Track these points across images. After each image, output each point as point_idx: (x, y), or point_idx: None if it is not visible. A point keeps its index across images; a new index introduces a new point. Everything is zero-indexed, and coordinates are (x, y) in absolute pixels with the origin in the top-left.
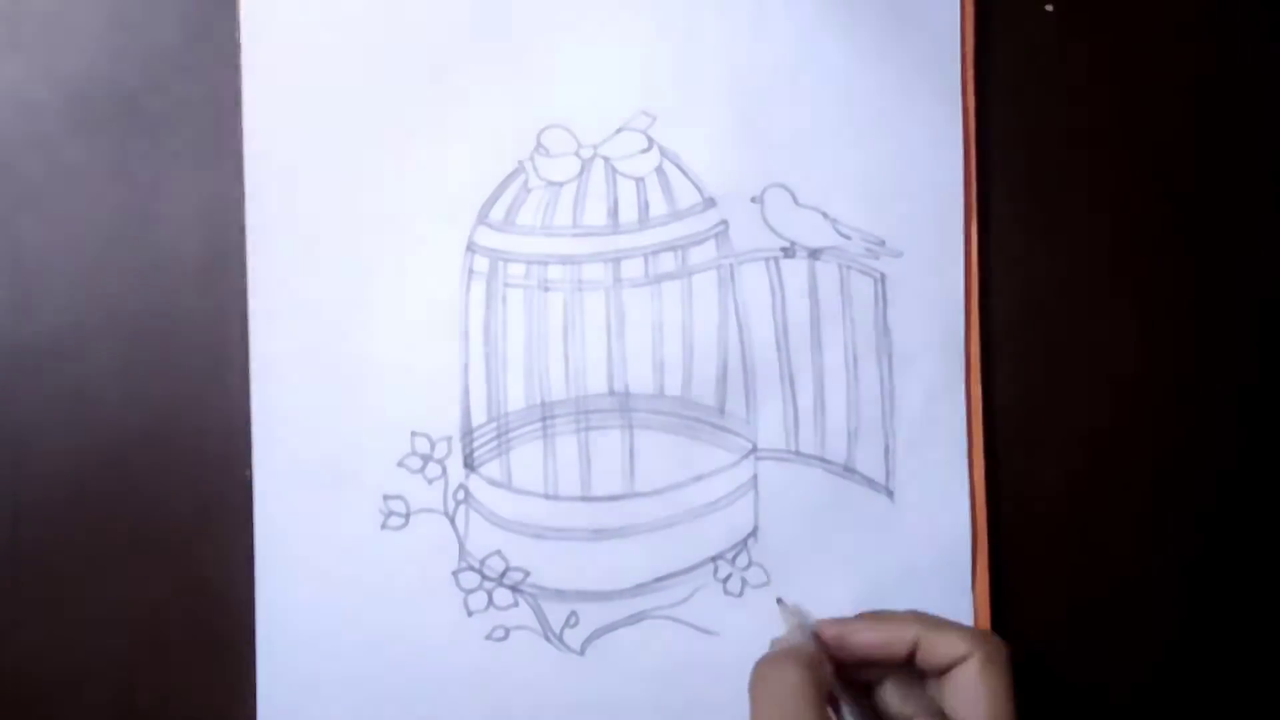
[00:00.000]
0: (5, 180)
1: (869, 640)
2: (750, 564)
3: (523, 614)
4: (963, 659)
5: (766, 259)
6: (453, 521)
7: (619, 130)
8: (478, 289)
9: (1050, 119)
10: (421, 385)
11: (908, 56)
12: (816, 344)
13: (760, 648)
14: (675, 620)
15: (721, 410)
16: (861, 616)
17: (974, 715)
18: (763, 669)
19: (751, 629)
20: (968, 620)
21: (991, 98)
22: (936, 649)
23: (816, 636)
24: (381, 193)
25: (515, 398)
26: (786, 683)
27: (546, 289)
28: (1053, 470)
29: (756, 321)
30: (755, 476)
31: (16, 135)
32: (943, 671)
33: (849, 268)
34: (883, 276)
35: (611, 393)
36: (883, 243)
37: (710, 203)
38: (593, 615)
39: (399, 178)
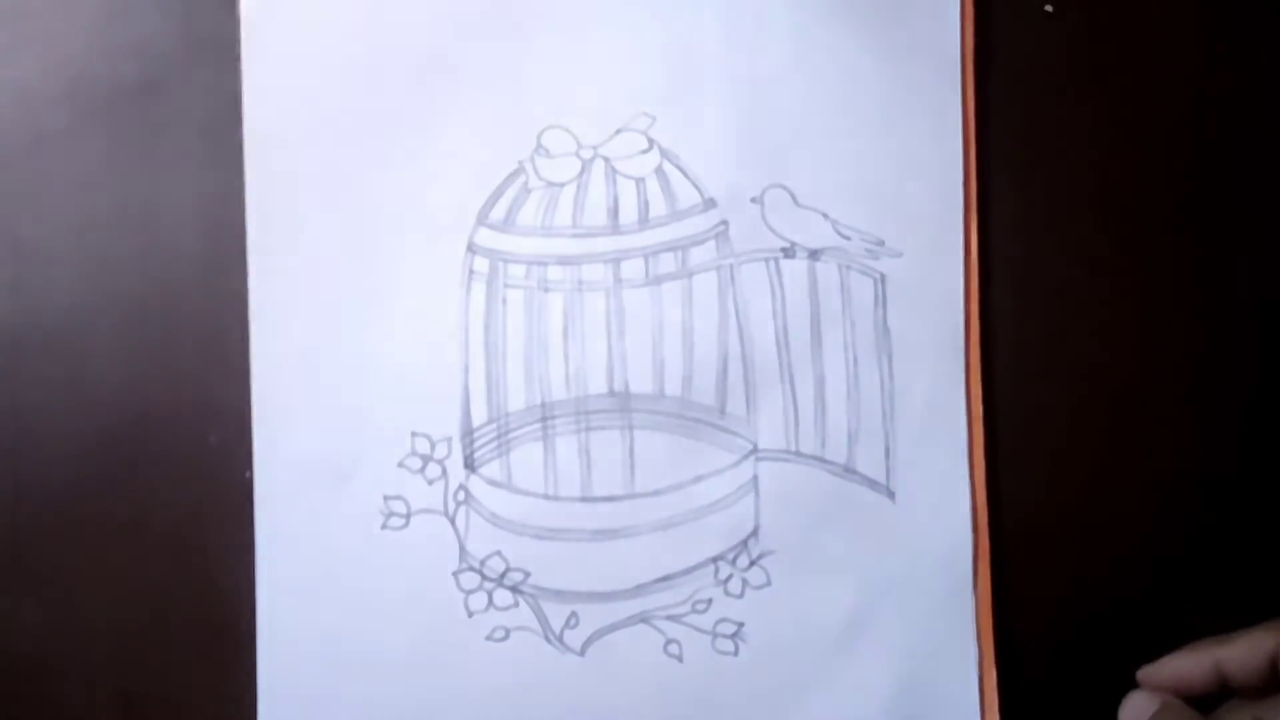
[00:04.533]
0: (6, 175)
1: (1171, 676)
2: (751, 565)
3: (523, 615)
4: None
5: (766, 259)
6: (453, 522)
7: (619, 131)
8: (478, 290)
9: (1050, 119)
10: (422, 386)
11: (908, 57)
12: (817, 344)
13: (763, 648)
14: (676, 621)
15: (722, 411)
16: (1173, 657)
17: None
18: None
19: (753, 630)
20: (969, 625)
21: (991, 98)
22: (1235, 663)
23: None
24: (382, 193)
25: (515, 398)
26: None
27: (547, 289)
28: (1053, 470)
29: (757, 322)
30: (756, 477)
31: (17, 130)
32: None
33: (849, 268)
34: (883, 277)
35: (611, 393)
36: (882, 243)
37: (710, 203)
38: (593, 616)
39: (399, 178)
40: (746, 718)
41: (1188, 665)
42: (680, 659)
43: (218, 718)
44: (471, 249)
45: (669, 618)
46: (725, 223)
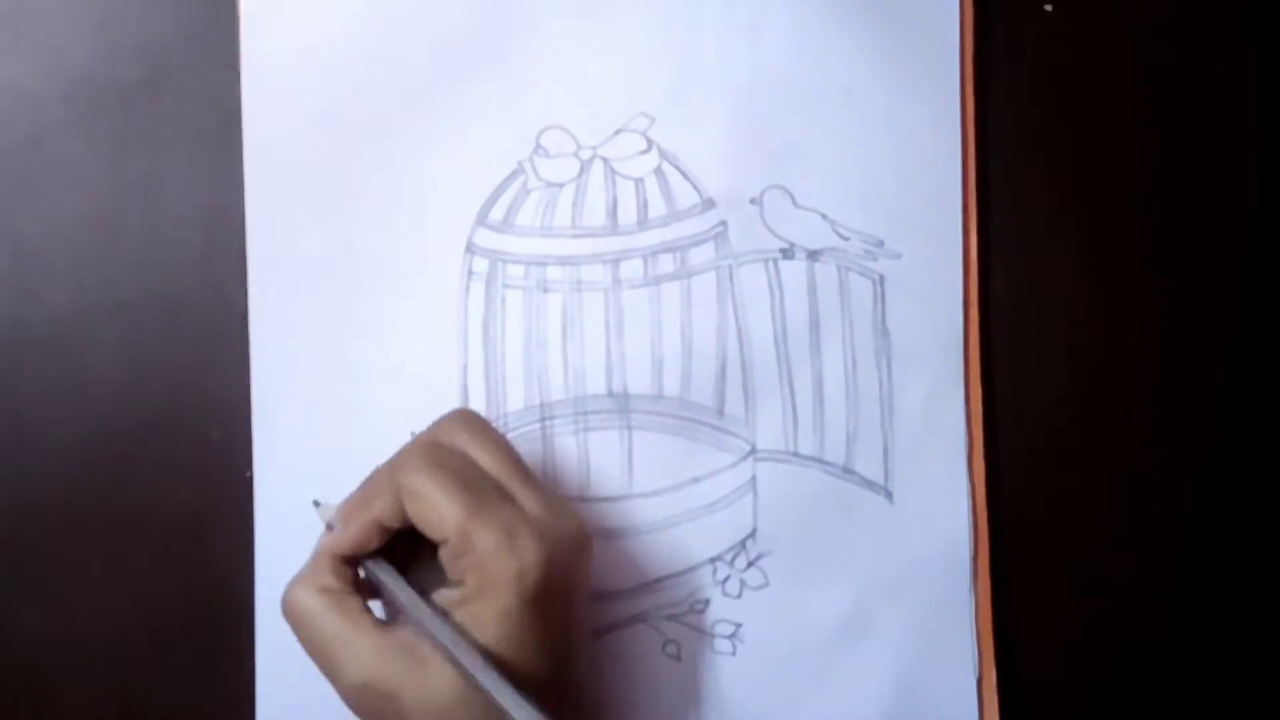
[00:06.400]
0: (6, 175)
1: (351, 538)
2: (749, 565)
3: None
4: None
5: (765, 260)
6: None
7: (618, 131)
8: (477, 290)
9: (1050, 119)
10: (421, 385)
11: (907, 57)
12: (815, 345)
13: (761, 649)
14: (674, 621)
15: (720, 411)
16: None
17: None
18: (286, 599)
19: (751, 630)
20: (969, 626)
21: (991, 98)
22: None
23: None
24: (381, 193)
25: (514, 398)
26: (309, 611)
27: (545, 290)
28: (1053, 470)
29: (755, 323)
30: (754, 478)
31: (17, 129)
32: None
33: (848, 269)
34: (881, 277)
35: (610, 393)
36: (882, 244)
37: (709, 204)
38: (591, 616)
39: (398, 178)
40: (744, 718)
41: (364, 535)
42: (678, 659)
43: (217, 717)
44: (470, 249)
45: (667, 618)
46: (724, 223)
